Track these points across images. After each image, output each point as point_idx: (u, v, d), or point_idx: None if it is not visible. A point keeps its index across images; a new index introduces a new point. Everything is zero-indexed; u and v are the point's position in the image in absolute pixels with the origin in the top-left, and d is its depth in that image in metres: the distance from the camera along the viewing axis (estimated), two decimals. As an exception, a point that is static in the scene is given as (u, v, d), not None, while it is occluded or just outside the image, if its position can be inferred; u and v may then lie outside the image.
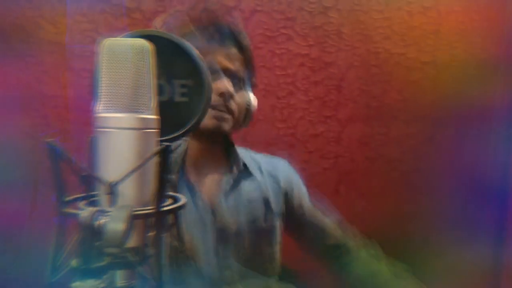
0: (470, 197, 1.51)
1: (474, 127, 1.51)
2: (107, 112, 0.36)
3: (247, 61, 0.84)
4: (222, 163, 0.88)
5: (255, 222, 0.85)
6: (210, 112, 0.78)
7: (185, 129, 0.43)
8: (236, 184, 0.86)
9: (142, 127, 0.37)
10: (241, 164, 0.88)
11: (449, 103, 1.48)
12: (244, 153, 0.92)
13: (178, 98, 0.42)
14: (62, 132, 1.24)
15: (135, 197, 0.37)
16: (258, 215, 0.86)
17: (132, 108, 0.36)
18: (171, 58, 0.42)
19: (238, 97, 0.83)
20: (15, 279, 1.24)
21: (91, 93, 0.40)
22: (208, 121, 0.79)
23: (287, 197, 0.93)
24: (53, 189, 0.37)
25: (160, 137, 0.39)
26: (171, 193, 0.42)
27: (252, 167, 0.90)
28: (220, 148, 0.89)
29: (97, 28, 1.28)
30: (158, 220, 0.37)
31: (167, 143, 0.37)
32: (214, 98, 0.77)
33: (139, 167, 0.36)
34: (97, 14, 1.29)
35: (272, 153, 0.99)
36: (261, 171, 0.91)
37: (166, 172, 0.37)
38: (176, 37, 0.41)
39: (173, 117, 0.42)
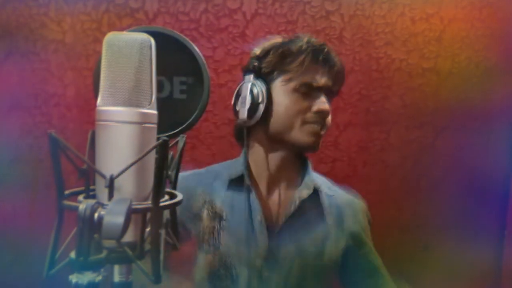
0: (470, 203, 1.50)
1: (475, 134, 1.51)
2: (108, 106, 0.36)
3: (340, 77, 0.85)
4: (293, 182, 0.85)
5: (307, 256, 0.80)
6: (307, 128, 0.78)
7: (183, 127, 0.43)
8: (301, 207, 0.81)
9: (142, 121, 0.37)
10: (312, 188, 0.83)
11: (450, 110, 1.48)
12: (320, 179, 0.88)
13: (177, 95, 0.43)
14: (62, 130, 1.25)
15: (134, 192, 0.37)
16: (311, 250, 0.81)
17: (133, 102, 0.36)
18: (172, 55, 0.42)
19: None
20: (15, 279, 1.24)
21: (93, 92, 0.40)
22: (306, 137, 0.78)
23: (345, 247, 0.85)
24: (52, 185, 0.37)
25: (158, 133, 0.39)
26: (168, 190, 0.42)
27: (323, 196, 0.84)
28: (296, 166, 0.86)
29: (100, 27, 1.29)
30: (156, 215, 0.37)
31: (166, 138, 0.37)
32: (311, 115, 0.78)
33: (138, 160, 0.36)
34: (100, 13, 1.29)
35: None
36: (331, 205, 0.85)
37: (165, 168, 0.37)
38: (178, 35, 0.41)
39: (171, 113, 0.42)
